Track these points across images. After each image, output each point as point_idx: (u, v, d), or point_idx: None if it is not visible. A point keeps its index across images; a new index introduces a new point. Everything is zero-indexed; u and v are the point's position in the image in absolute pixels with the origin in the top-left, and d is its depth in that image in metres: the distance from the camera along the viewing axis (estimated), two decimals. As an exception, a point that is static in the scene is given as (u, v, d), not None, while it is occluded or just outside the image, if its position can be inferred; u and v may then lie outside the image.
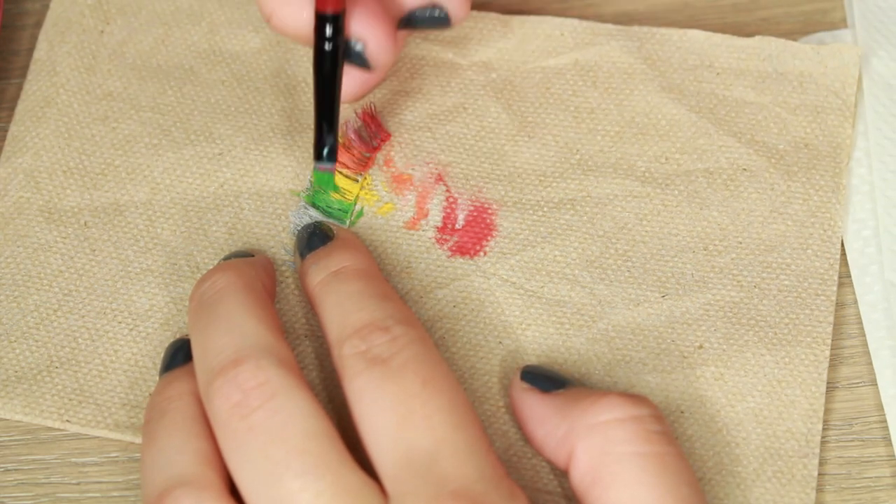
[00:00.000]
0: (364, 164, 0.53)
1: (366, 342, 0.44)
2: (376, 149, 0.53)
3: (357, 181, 0.53)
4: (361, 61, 0.48)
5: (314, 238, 0.50)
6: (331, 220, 0.52)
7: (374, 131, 0.53)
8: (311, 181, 0.53)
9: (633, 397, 0.44)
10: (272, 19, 0.48)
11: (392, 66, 0.51)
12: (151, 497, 0.43)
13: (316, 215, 0.52)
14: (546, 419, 0.45)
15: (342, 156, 0.52)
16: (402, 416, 0.42)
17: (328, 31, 0.47)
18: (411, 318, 0.45)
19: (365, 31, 0.48)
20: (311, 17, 0.47)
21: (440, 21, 0.49)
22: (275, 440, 0.42)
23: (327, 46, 0.47)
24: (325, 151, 0.50)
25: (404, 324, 0.44)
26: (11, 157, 0.54)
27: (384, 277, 0.48)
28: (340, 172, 0.52)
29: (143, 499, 0.43)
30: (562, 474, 0.48)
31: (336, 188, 0.52)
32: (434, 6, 0.49)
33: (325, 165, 0.50)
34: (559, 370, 0.49)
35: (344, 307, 0.45)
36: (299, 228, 0.51)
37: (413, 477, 0.41)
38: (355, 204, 0.52)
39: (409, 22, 0.49)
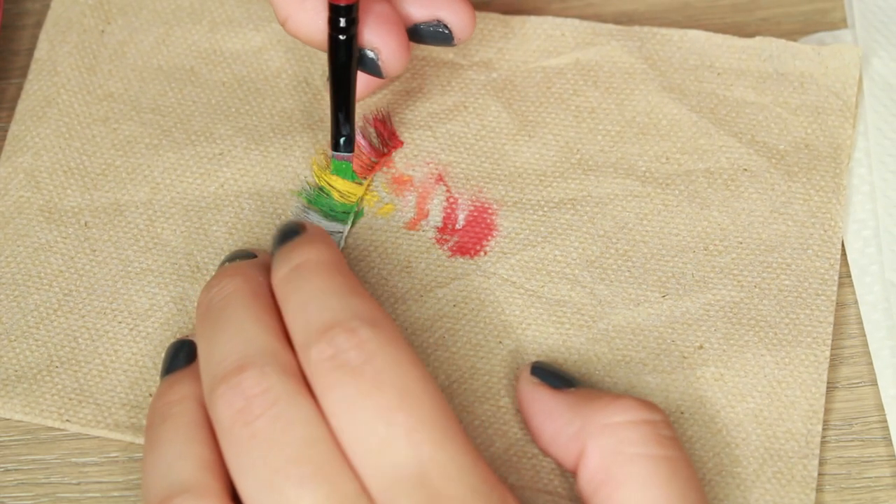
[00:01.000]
0: (371, 168, 0.53)
1: (332, 346, 0.42)
2: (385, 155, 0.53)
3: (361, 184, 0.53)
4: (375, 70, 0.49)
5: (284, 235, 0.48)
6: (332, 222, 0.52)
7: (387, 139, 0.53)
8: (308, 183, 0.53)
9: (646, 402, 0.44)
10: (287, 23, 0.48)
11: (402, 73, 0.51)
12: (153, 503, 0.43)
13: (316, 218, 0.52)
14: (557, 415, 0.45)
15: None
16: (383, 435, 0.41)
17: (342, 21, 0.47)
18: (378, 315, 0.44)
19: (379, 39, 0.48)
20: (324, 23, 0.48)
21: (443, 37, 0.49)
22: (275, 447, 0.41)
23: (342, 37, 0.48)
24: (343, 141, 0.50)
25: (371, 324, 0.43)
26: (12, 157, 0.54)
27: (349, 269, 0.47)
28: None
29: None
30: (562, 474, 0.48)
31: (354, 177, 0.52)
32: (438, 22, 0.49)
33: (343, 155, 0.51)
34: (568, 370, 0.49)
35: (306, 307, 0.44)
36: None
37: (403, 495, 0.40)
38: (358, 206, 0.52)
39: (413, 35, 0.49)
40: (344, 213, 0.52)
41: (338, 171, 0.52)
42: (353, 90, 0.49)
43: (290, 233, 0.47)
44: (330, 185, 0.52)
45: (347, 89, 0.49)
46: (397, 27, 0.48)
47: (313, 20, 0.48)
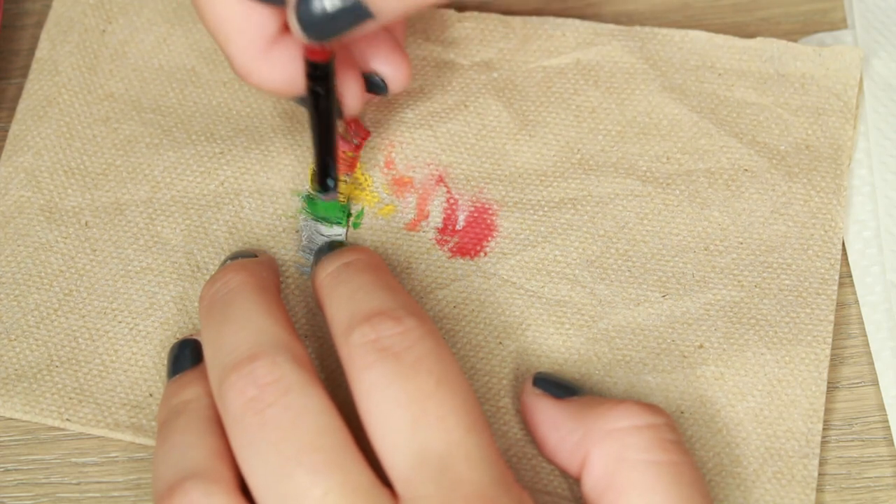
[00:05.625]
0: (350, 164, 0.53)
1: (376, 330, 0.43)
2: (358, 147, 0.53)
3: (346, 181, 0.53)
4: (338, 113, 0.49)
5: (331, 245, 0.50)
6: (332, 227, 0.52)
7: (355, 130, 0.53)
8: (308, 189, 0.53)
9: (649, 406, 0.45)
10: (251, 77, 0.47)
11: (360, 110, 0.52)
12: (162, 490, 0.43)
13: (315, 225, 0.52)
14: (560, 424, 0.45)
15: None
16: (415, 415, 0.42)
17: (321, 76, 0.47)
18: (422, 311, 0.45)
19: (341, 85, 0.49)
20: (291, 74, 0.47)
21: (377, 87, 0.50)
22: (287, 436, 0.42)
23: (321, 90, 0.47)
24: (332, 183, 0.51)
25: (415, 316, 0.44)
26: (13, 156, 0.54)
27: (394, 275, 0.49)
28: None
29: (153, 493, 0.43)
30: (562, 475, 0.48)
31: (341, 213, 0.52)
32: (375, 74, 0.50)
33: (331, 195, 0.51)
34: (570, 378, 0.49)
35: (354, 297, 0.45)
36: (304, 236, 0.52)
37: (426, 480, 0.41)
38: (348, 204, 0.52)
39: None
40: (336, 212, 0.52)
41: (327, 210, 0.52)
42: (335, 136, 0.49)
43: (336, 244, 0.50)
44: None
45: (331, 136, 0.49)
46: (356, 73, 0.49)
47: (281, 72, 0.47)
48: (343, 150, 0.53)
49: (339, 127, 0.53)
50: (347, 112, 0.49)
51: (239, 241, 0.52)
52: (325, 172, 0.50)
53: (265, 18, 0.46)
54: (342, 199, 0.52)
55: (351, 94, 0.49)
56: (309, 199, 0.53)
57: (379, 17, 0.43)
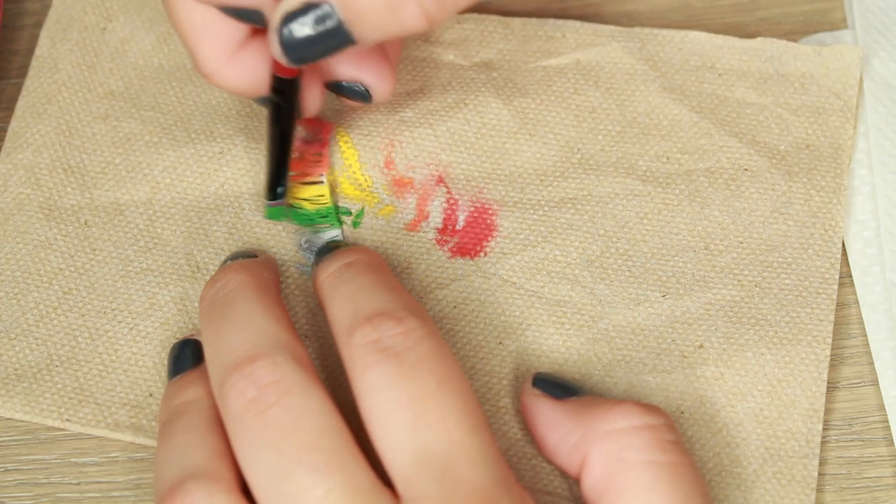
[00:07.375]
0: (320, 162, 0.53)
1: (377, 331, 0.43)
2: (324, 144, 0.53)
3: (323, 183, 0.52)
4: (298, 116, 0.50)
5: (332, 245, 0.50)
6: (327, 231, 0.52)
7: (317, 127, 0.53)
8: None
9: (648, 406, 0.45)
10: (214, 77, 0.48)
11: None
12: (163, 490, 0.43)
13: (309, 234, 0.52)
14: (560, 424, 0.45)
15: (297, 167, 0.52)
16: (417, 415, 0.42)
17: (287, 90, 0.48)
18: (423, 312, 0.45)
19: (304, 92, 0.49)
20: (256, 76, 0.48)
21: (361, 95, 0.50)
22: (288, 436, 0.42)
23: (283, 103, 0.48)
24: (280, 191, 0.51)
25: (417, 316, 0.44)
26: (12, 153, 0.54)
27: (395, 276, 0.49)
28: (303, 183, 0.52)
29: (154, 493, 0.43)
30: (562, 475, 0.48)
31: (283, 217, 0.52)
32: (360, 83, 0.50)
33: (277, 202, 0.51)
34: (570, 378, 0.49)
35: (355, 297, 0.45)
36: (304, 237, 0.52)
37: (427, 480, 0.41)
38: (334, 205, 0.52)
39: (335, 87, 0.50)
40: (323, 216, 0.52)
41: (272, 216, 0.52)
42: (291, 144, 0.50)
43: (337, 244, 0.50)
44: (297, 198, 0.52)
45: (288, 148, 0.50)
46: (320, 84, 0.49)
47: (246, 75, 0.48)
48: (313, 151, 0.53)
49: (301, 131, 0.53)
50: (307, 115, 0.50)
51: (239, 241, 0.52)
52: (278, 181, 0.51)
53: (237, 24, 0.47)
54: (325, 202, 0.52)
55: (312, 99, 0.49)
56: (291, 212, 0.52)
57: (361, 43, 0.43)
